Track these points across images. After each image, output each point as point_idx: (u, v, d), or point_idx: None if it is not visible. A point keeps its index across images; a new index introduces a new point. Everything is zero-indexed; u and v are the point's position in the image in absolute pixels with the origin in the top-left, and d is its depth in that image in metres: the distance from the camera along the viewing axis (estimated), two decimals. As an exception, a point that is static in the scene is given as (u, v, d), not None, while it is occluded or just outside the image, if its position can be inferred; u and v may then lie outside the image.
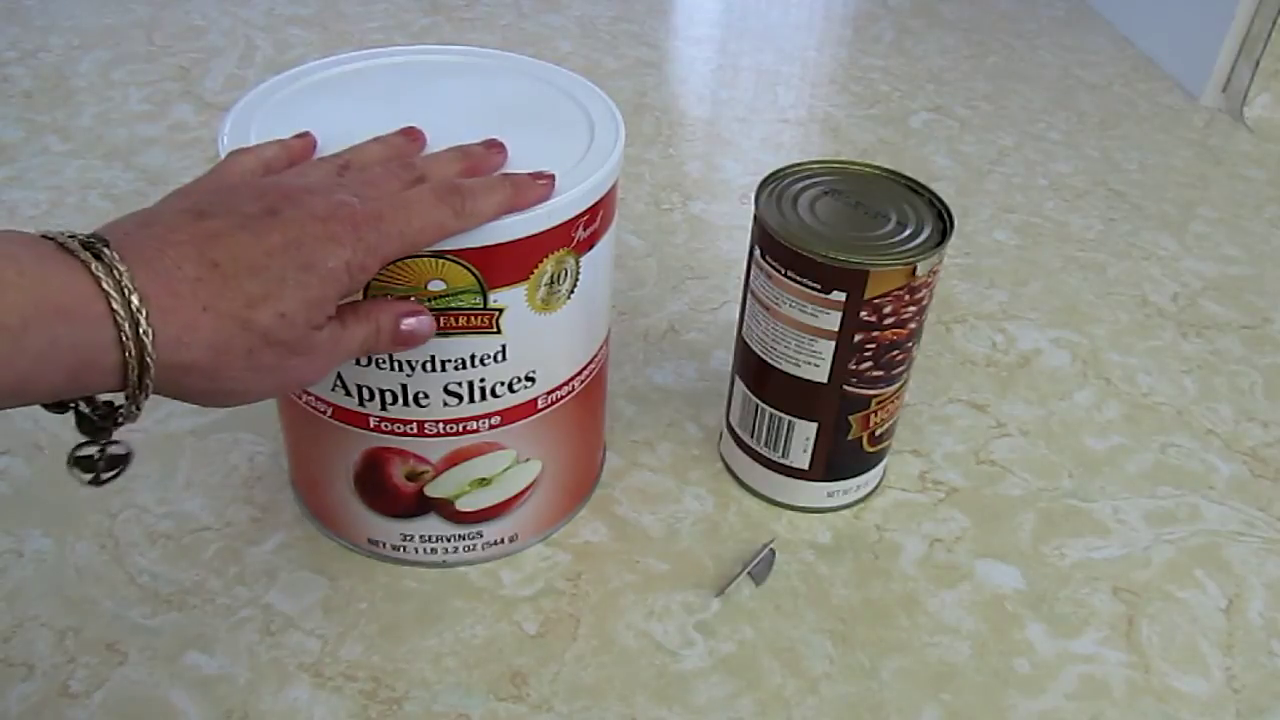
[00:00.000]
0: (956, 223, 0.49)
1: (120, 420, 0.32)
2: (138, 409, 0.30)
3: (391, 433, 0.45)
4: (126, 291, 0.28)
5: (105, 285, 0.28)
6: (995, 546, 0.54)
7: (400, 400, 0.44)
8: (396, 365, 0.43)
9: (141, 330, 0.28)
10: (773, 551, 0.52)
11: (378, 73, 0.49)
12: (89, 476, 0.33)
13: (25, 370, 0.27)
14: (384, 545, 0.50)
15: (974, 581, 0.52)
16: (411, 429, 0.45)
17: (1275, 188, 0.90)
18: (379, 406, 0.44)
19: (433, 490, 0.47)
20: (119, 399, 0.31)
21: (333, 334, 0.35)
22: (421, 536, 0.49)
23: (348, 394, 0.44)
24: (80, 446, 0.32)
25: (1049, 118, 0.99)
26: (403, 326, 0.38)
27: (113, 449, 0.33)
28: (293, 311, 0.32)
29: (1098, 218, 0.84)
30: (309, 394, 0.45)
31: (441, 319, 0.41)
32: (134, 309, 0.28)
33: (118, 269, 0.29)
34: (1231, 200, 0.88)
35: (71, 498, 0.53)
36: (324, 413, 0.45)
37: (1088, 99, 1.03)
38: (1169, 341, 0.70)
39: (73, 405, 0.32)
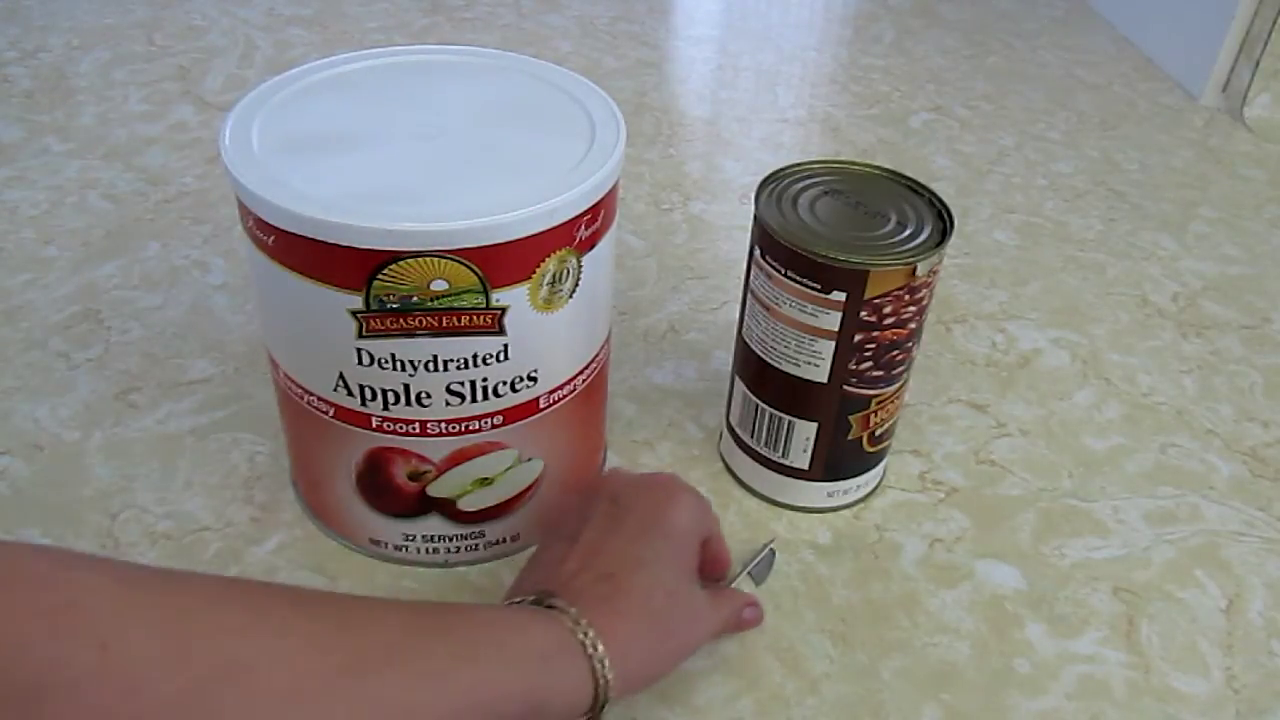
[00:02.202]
0: (956, 223, 0.49)
1: None
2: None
3: (394, 432, 0.45)
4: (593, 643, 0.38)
5: (579, 637, 0.38)
6: (995, 546, 0.54)
7: (403, 400, 0.44)
8: (399, 365, 0.43)
9: (604, 665, 0.37)
10: (773, 552, 0.52)
11: (378, 73, 0.49)
12: None
13: (536, 685, 0.36)
14: (386, 545, 0.50)
15: (974, 581, 0.52)
16: (414, 429, 0.45)
17: (1275, 188, 0.90)
18: (381, 406, 0.44)
19: (435, 490, 0.47)
20: None
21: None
22: (424, 536, 0.49)
23: (350, 394, 0.44)
24: None
25: (1049, 118, 0.99)
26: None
27: None
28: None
29: (1098, 218, 0.84)
30: (311, 394, 0.45)
31: (444, 319, 0.41)
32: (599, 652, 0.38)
33: (584, 629, 0.38)
34: (1231, 200, 0.88)
35: (72, 498, 0.53)
36: (326, 413, 0.45)
37: (1088, 99, 1.03)
38: (1169, 341, 0.70)
39: None
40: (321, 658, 0.32)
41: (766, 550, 0.52)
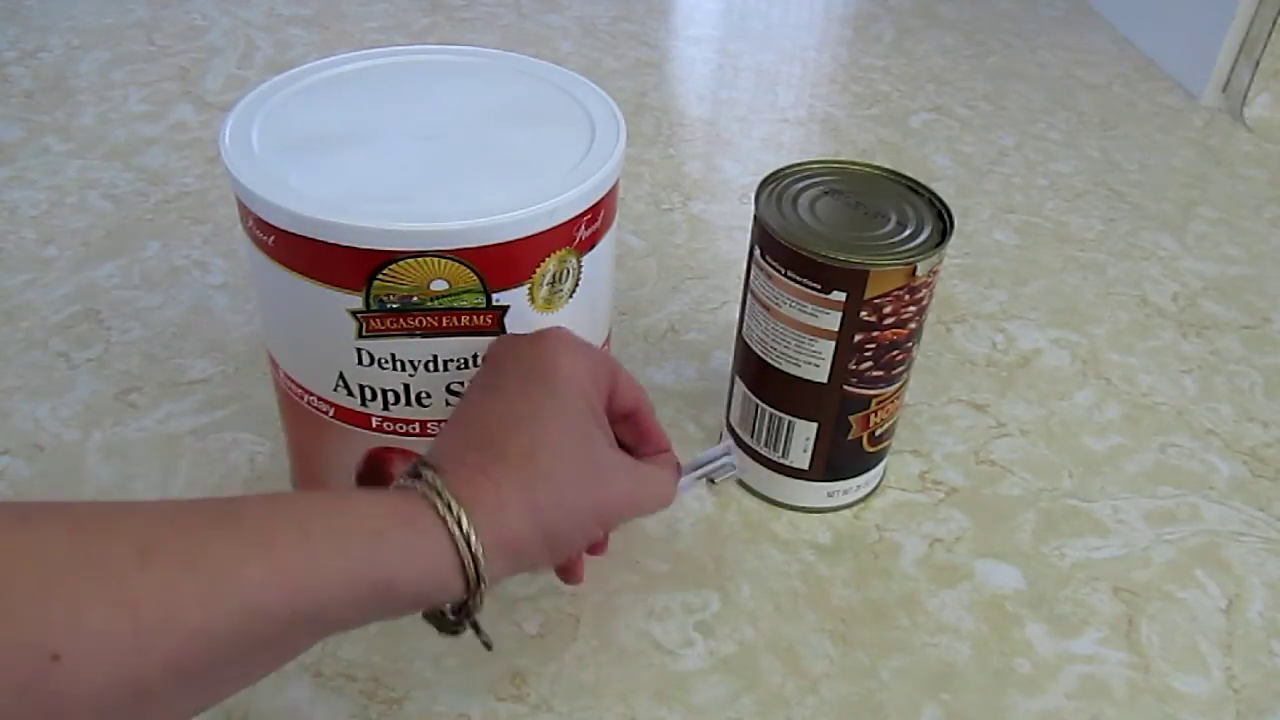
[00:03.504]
0: (956, 223, 0.49)
1: (470, 612, 0.35)
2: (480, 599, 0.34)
3: (394, 433, 0.45)
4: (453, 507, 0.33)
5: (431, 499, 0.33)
6: (995, 546, 0.54)
7: (403, 400, 0.44)
8: (399, 365, 0.43)
9: (470, 536, 0.33)
10: (733, 464, 0.47)
11: (378, 73, 0.49)
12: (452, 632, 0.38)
13: (369, 565, 0.31)
14: (385, 545, 0.50)
15: (974, 581, 0.52)
16: (414, 429, 0.45)
17: (1275, 188, 0.90)
18: (381, 406, 0.44)
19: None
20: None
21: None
22: (422, 536, 0.49)
23: (350, 394, 0.44)
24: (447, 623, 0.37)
25: (1049, 118, 0.99)
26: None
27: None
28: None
29: (1098, 218, 0.84)
30: (311, 394, 0.45)
31: (444, 319, 0.41)
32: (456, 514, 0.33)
33: (446, 498, 0.33)
34: (1231, 200, 0.88)
35: (72, 498, 0.53)
36: (326, 413, 0.45)
37: (1088, 99, 1.03)
38: (1169, 341, 0.70)
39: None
40: (28, 564, 0.26)
41: (724, 456, 0.47)
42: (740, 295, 0.53)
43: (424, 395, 0.44)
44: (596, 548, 0.46)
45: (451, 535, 0.32)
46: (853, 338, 0.48)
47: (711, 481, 0.47)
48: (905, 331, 0.49)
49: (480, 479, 0.34)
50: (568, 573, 0.44)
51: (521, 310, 0.42)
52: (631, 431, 0.43)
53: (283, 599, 0.29)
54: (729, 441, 0.48)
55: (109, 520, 0.28)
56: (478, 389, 0.39)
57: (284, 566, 0.29)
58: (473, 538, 0.33)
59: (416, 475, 0.34)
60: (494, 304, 0.42)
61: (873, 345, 0.48)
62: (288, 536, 0.30)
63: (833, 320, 0.47)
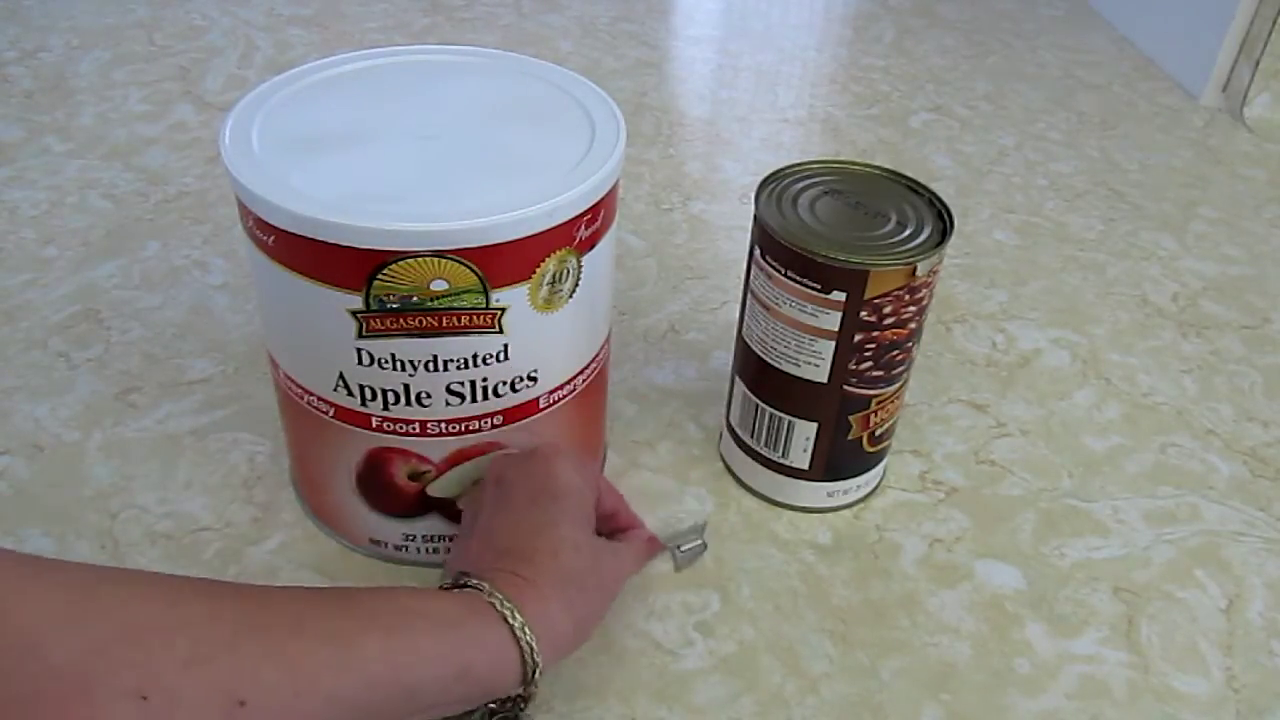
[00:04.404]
0: (956, 223, 0.49)
1: (529, 700, 0.41)
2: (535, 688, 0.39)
3: (394, 432, 0.45)
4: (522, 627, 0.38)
5: (503, 611, 0.38)
6: (995, 546, 0.54)
7: (403, 400, 0.44)
8: (399, 365, 0.43)
9: (525, 631, 0.38)
10: (704, 544, 0.52)
11: (378, 73, 0.49)
12: None
13: (454, 649, 0.37)
14: (386, 545, 0.50)
15: (974, 581, 0.52)
16: (414, 429, 0.45)
17: (1275, 188, 0.90)
18: (381, 406, 0.44)
19: (435, 490, 0.47)
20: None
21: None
22: (424, 536, 0.49)
23: (350, 394, 0.44)
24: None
25: (1049, 118, 0.99)
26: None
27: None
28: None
29: (1098, 218, 0.84)
30: (311, 394, 0.45)
31: (444, 319, 0.41)
32: (526, 632, 0.38)
33: (499, 598, 0.38)
34: (1231, 200, 0.88)
35: (72, 498, 0.53)
36: (326, 413, 0.45)
37: (1088, 99, 1.04)
38: (1169, 341, 0.70)
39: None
40: (220, 624, 0.32)
41: (699, 541, 0.52)
42: (740, 295, 0.53)
43: (424, 395, 0.44)
44: None
45: (511, 628, 0.37)
46: (853, 338, 0.48)
47: (679, 550, 0.51)
48: (905, 331, 0.49)
49: (519, 581, 0.39)
50: None
51: (521, 310, 0.42)
52: (612, 525, 0.48)
53: (389, 672, 0.34)
54: (703, 523, 0.53)
55: (264, 594, 0.35)
56: (489, 507, 0.43)
57: (392, 643, 0.35)
58: (527, 630, 0.38)
59: (460, 585, 0.39)
60: (494, 304, 0.42)
61: (873, 345, 0.48)
62: (392, 620, 0.36)
63: (833, 320, 0.47)
